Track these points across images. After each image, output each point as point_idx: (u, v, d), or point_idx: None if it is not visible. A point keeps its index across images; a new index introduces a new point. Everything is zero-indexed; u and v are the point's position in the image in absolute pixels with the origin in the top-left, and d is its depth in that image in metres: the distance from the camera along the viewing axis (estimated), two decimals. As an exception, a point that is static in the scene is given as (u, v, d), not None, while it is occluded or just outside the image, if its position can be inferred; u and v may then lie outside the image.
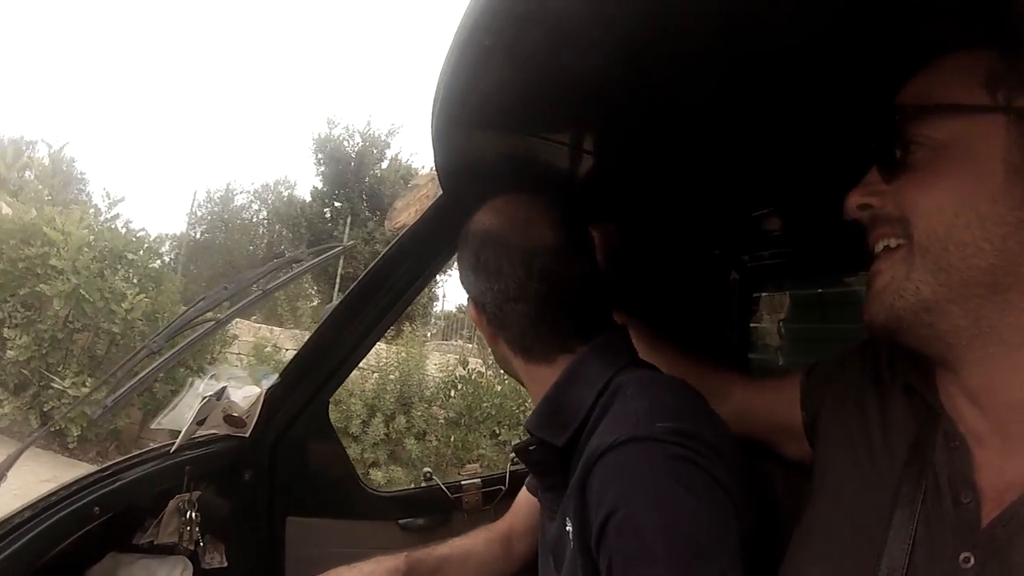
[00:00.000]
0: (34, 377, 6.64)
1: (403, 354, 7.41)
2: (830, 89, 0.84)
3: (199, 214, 15.70)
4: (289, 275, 1.48)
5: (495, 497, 1.77)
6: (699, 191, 1.35)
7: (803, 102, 0.88)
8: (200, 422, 1.45)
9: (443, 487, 1.73)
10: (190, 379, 1.56)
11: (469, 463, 6.78)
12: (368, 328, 1.56)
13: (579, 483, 0.84)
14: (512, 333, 1.02)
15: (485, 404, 6.94)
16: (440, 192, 1.38)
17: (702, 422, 0.86)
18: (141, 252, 7.38)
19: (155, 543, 1.31)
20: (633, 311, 1.27)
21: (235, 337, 8.14)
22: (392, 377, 7.13)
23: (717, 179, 1.26)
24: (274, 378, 1.58)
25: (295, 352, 1.66)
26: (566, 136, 1.08)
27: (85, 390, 6.23)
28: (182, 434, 1.39)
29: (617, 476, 0.79)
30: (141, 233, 7.79)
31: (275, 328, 9.11)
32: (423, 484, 1.75)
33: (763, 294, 1.66)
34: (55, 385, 6.46)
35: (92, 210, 9.76)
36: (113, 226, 7.97)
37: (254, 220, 16.41)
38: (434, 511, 1.73)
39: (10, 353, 6.49)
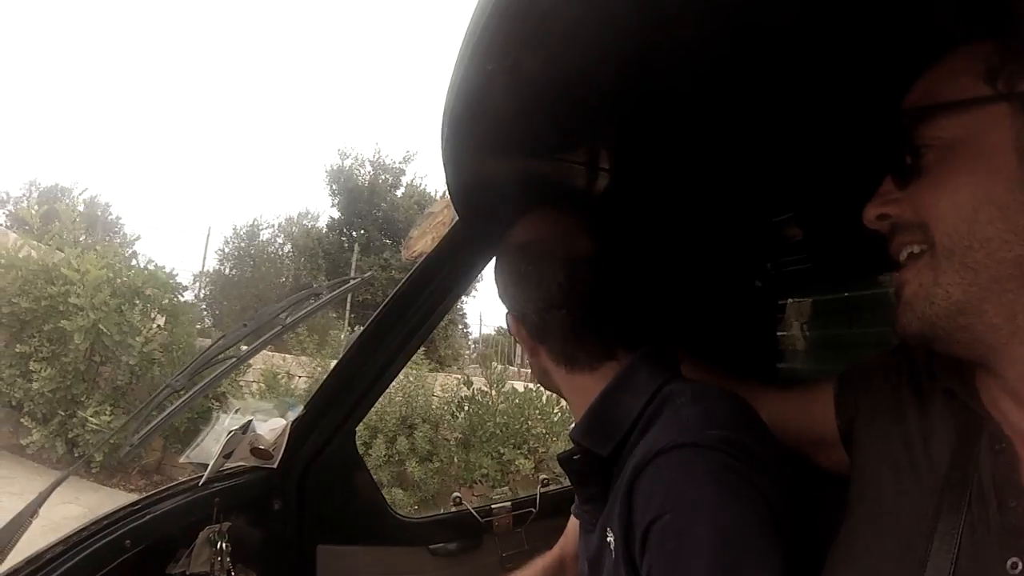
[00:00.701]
0: (59, 407, 7.07)
1: (410, 376, 7.43)
2: (844, 91, 0.84)
3: (226, 250, 15.86)
4: (307, 309, 1.49)
5: (526, 520, 1.76)
6: (717, 200, 1.34)
7: (816, 104, 0.88)
8: (227, 455, 1.46)
9: (473, 511, 1.72)
10: (215, 413, 1.57)
11: (473, 483, 6.70)
12: (392, 356, 1.56)
13: (626, 490, 0.82)
14: (554, 343, 1.01)
15: (488, 424, 6.92)
16: (456, 218, 1.39)
17: (752, 433, 0.85)
18: (156, 288, 7.68)
19: (187, 573, 1.31)
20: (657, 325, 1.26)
21: (249, 366, 8.15)
22: (397, 399, 7.16)
23: (735, 187, 1.26)
24: (299, 409, 1.59)
25: (306, 378, 1.66)
26: (580, 155, 1.09)
27: (106, 418, 6.73)
28: (210, 467, 1.41)
29: (665, 482, 0.78)
30: (157, 269, 8.11)
31: (286, 356, 9.15)
32: (452, 509, 1.75)
33: (789, 301, 1.64)
34: (79, 414, 6.91)
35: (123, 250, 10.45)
36: (133, 264, 8.13)
37: (279, 253, 16.51)
38: (464, 535, 1.72)
39: (36, 385, 6.94)
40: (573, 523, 1.34)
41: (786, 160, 1.10)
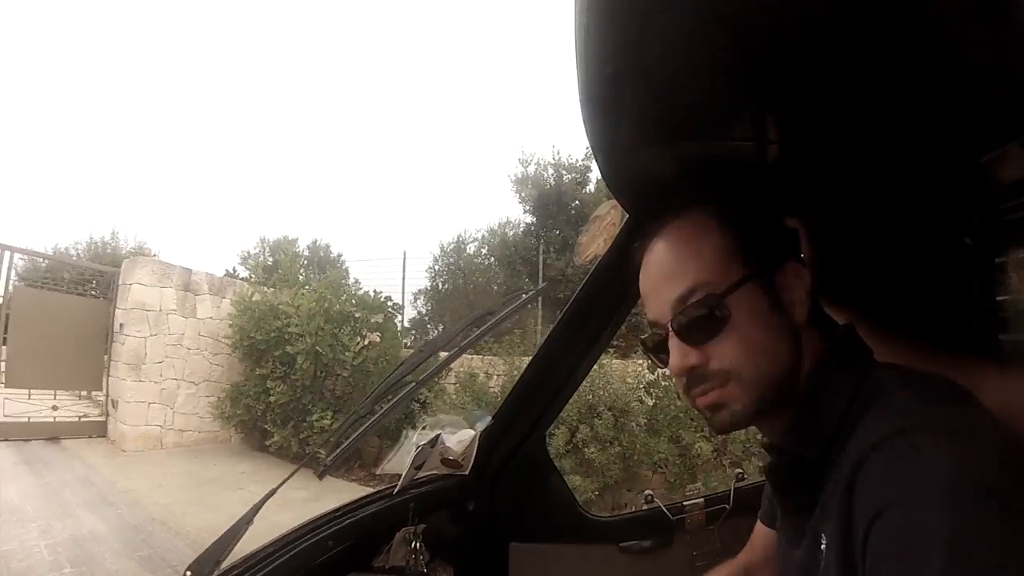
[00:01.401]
0: (292, 415, 8.95)
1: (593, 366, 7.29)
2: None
3: (436, 268, 16.89)
4: (483, 328, 1.56)
5: (719, 517, 1.72)
6: (908, 148, 1.15)
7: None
8: (418, 467, 1.56)
9: (664, 508, 1.71)
10: (404, 432, 1.70)
11: (656, 468, 6.56)
12: (577, 361, 1.59)
13: (844, 489, 0.72)
14: None
15: (670, 407, 6.70)
16: (625, 217, 1.38)
17: (980, 416, 0.72)
18: (364, 310, 9.36)
19: (387, 567, 1.43)
20: (852, 304, 1.15)
21: (449, 370, 8.71)
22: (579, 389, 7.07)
23: (927, 128, 1.06)
24: (487, 420, 1.66)
25: (497, 376, 1.74)
26: (742, 130, 1.01)
27: (327, 422, 8.45)
28: (403, 477, 1.53)
29: (887, 473, 0.67)
30: (364, 294, 9.91)
31: (485, 357, 9.59)
32: (644, 507, 1.74)
33: (1008, 258, 1.40)
34: (308, 419, 8.67)
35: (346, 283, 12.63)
36: (343, 294, 9.85)
37: (487, 263, 17.24)
38: (655, 533, 1.71)
39: (273, 398, 8.88)
40: (760, 530, 1.28)
41: (985, 86, 0.90)
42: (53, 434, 9.39)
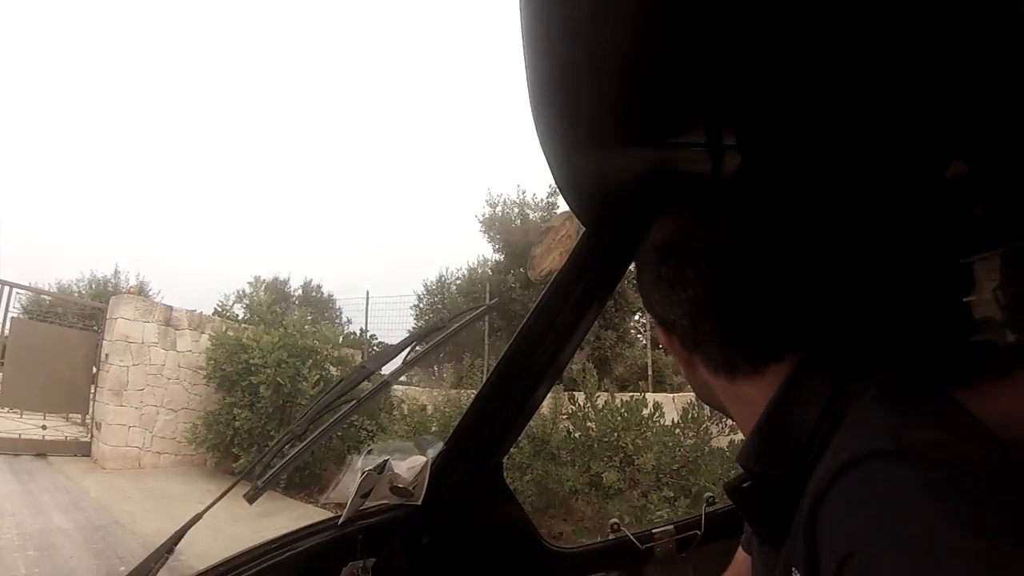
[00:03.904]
0: (257, 439, 8.18)
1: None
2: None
3: (421, 306, 15.40)
4: (430, 344, 1.19)
5: (691, 543, 1.31)
6: (869, 158, 0.89)
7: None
8: (365, 495, 1.14)
9: (632, 537, 1.30)
10: (348, 457, 1.27)
11: (574, 494, 5.81)
12: (535, 381, 1.20)
13: (807, 519, 0.52)
14: (710, 349, 0.71)
15: (581, 437, 6.01)
16: (581, 230, 1.09)
17: (969, 433, 0.52)
18: (325, 346, 8.83)
19: None
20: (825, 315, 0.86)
21: (402, 401, 8.35)
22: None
23: (887, 138, 0.81)
24: (439, 446, 1.25)
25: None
26: (699, 135, 0.76)
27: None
28: (348, 506, 1.12)
29: (856, 505, 0.48)
30: (327, 330, 9.50)
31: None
32: (610, 536, 1.33)
33: (974, 259, 1.10)
34: (270, 444, 7.62)
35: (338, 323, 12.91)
36: (304, 329, 9.10)
37: (466, 303, 15.31)
38: (623, 564, 1.30)
39: (239, 424, 8.20)
40: (742, 556, 1.00)
41: (945, 92, 0.69)
42: (41, 451, 8.81)
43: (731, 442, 5.72)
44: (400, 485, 1.13)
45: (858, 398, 0.58)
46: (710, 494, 1.36)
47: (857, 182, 1.01)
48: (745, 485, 0.67)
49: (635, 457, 5.63)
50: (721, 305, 0.69)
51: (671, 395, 7.62)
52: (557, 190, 0.93)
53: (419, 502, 1.13)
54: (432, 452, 1.19)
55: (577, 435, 6.02)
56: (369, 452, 1.22)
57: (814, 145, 0.82)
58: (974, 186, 0.99)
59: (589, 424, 6.02)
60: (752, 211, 0.74)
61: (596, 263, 1.09)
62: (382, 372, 1.16)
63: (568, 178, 0.86)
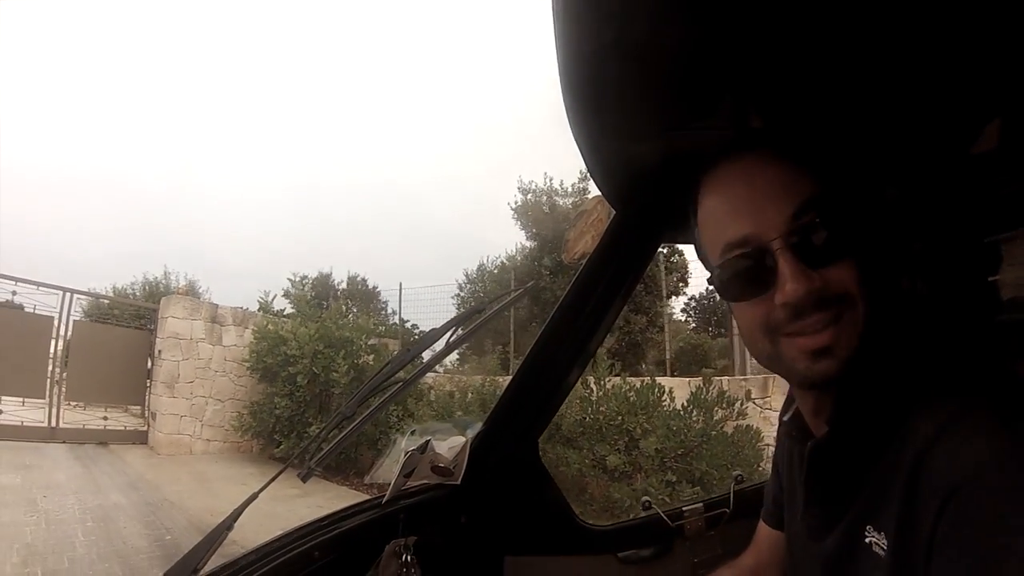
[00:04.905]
0: (296, 426, 8.09)
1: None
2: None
3: (462, 295, 14.37)
4: (471, 327, 1.14)
5: (719, 521, 1.24)
6: (894, 143, 0.82)
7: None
8: (407, 475, 1.09)
9: (663, 515, 1.22)
10: (394, 437, 1.21)
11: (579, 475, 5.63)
12: (570, 362, 1.14)
13: (909, 473, 0.50)
14: None
15: (588, 419, 5.74)
16: (612, 213, 1.04)
17: None
18: (360, 336, 8.52)
19: None
20: None
21: (430, 388, 8.20)
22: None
23: (916, 115, 0.74)
24: (477, 427, 1.19)
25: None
26: (724, 119, 0.70)
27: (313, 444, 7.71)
28: (391, 486, 1.07)
29: (961, 451, 0.47)
30: (364, 321, 9.14)
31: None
32: (642, 514, 1.26)
33: (1001, 236, 1.01)
34: (308, 430, 7.83)
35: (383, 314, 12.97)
36: (340, 321, 8.87)
37: (505, 290, 15.13)
38: (654, 541, 1.22)
39: (279, 412, 8.09)
40: (764, 531, 0.95)
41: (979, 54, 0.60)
42: (102, 439, 9.03)
43: (736, 427, 5.53)
44: (441, 464, 1.07)
45: (943, 365, 0.57)
46: (738, 472, 1.29)
47: (882, 168, 0.94)
48: (824, 442, 0.62)
49: (640, 441, 5.41)
50: None
51: (687, 379, 7.34)
52: (588, 175, 0.88)
53: (458, 482, 1.08)
54: (471, 432, 1.14)
55: (584, 418, 5.78)
56: (412, 433, 1.17)
57: (839, 128, 0.76)
58: (1002, 165, 0.91)
59: (597, 408, 5.78)
60: None
61: (626, 245, 1.05)
62: (424, 356, 1.11)
63: (598, 163, 0.83)
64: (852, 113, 0.72)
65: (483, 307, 1.20)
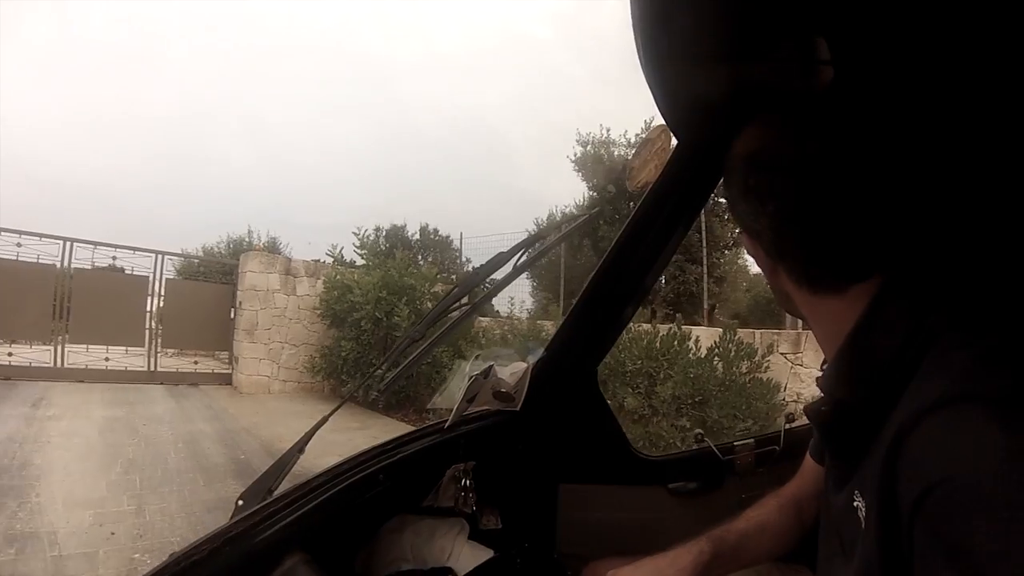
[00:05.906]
0: (360, 367, 8.33)
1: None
2: None
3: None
4: (538, 251, 1.07)
5: (769, 459, 1.19)
6: (970, 79, 0.69)
7: None
8: (470, 400, 1.07)
9: (715, 448, 1.18)
10: (458, 361, 1.21)
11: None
12: (629, 293, 1.09)
13: (888, 453, 0.46)
14: (794, 260, 0.62)
15: (616, 366, 5.60)
16: (675, 143, 0.96)
17: None
18: (421, 283, 8.54)
19: (436, 506, 1.07)
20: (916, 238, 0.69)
21: (481, 331, 8.26)
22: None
23: (991, 58, 0.62)
24: (539, 353, 1.15)
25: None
26: (793, 50, 0.63)
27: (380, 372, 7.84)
28: (454, 411, 1.04)
29: (942, 441, 0.42)
30: (427, 269, 9.22)
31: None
32: (694, 446, 1.22)
33: None
34: (374, 372, 7.75)
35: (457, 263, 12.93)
36: (405, 270, 8.82)
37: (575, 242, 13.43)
38: (704, 474, 1.19)
39: (345, 354, 8.36)
40: (810, 463, 0.92)
41: None
42: (193, 381, 9.81)
43: (753, 379, 5.37)
44: (503, 390, 1.05)
45: (942, 337, 0.50)
46: (790, 412, 1.24)
47: (955, 105, 0.83)
48: (824, 408, 0.61)
49: (658, 386, 5.35)
50: (807, 219, 0.59)
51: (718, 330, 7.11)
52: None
53: (518, 408, 1.06)
54: (533, 359, 1.11)
55: (610, 360, 5.63)
56: (476, 358, 1.17)
57: (911, 62, 0.65)
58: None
59: (621, 351, 5.70)
60: (843, 127, 0.62)
61: (687, 176, 0.97)
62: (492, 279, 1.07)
63: (663, 90, 0.75)
64: (924, 49, 0.61)
65: (546, 233, 1.16)
